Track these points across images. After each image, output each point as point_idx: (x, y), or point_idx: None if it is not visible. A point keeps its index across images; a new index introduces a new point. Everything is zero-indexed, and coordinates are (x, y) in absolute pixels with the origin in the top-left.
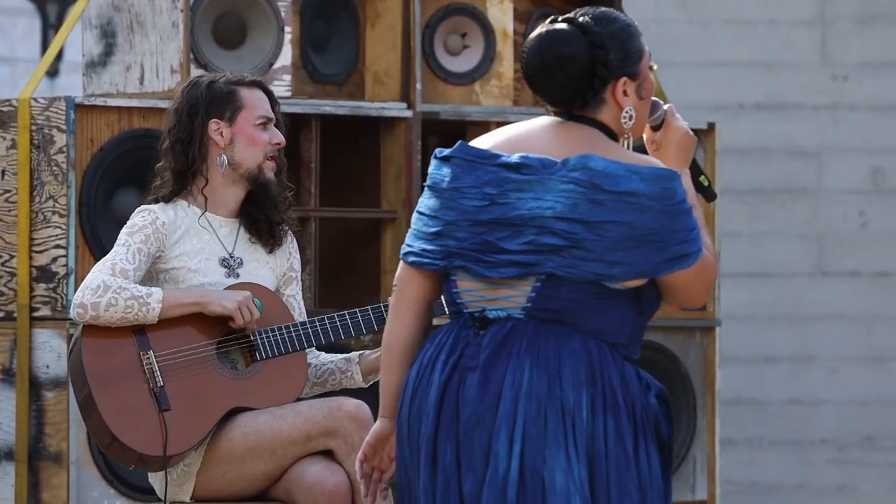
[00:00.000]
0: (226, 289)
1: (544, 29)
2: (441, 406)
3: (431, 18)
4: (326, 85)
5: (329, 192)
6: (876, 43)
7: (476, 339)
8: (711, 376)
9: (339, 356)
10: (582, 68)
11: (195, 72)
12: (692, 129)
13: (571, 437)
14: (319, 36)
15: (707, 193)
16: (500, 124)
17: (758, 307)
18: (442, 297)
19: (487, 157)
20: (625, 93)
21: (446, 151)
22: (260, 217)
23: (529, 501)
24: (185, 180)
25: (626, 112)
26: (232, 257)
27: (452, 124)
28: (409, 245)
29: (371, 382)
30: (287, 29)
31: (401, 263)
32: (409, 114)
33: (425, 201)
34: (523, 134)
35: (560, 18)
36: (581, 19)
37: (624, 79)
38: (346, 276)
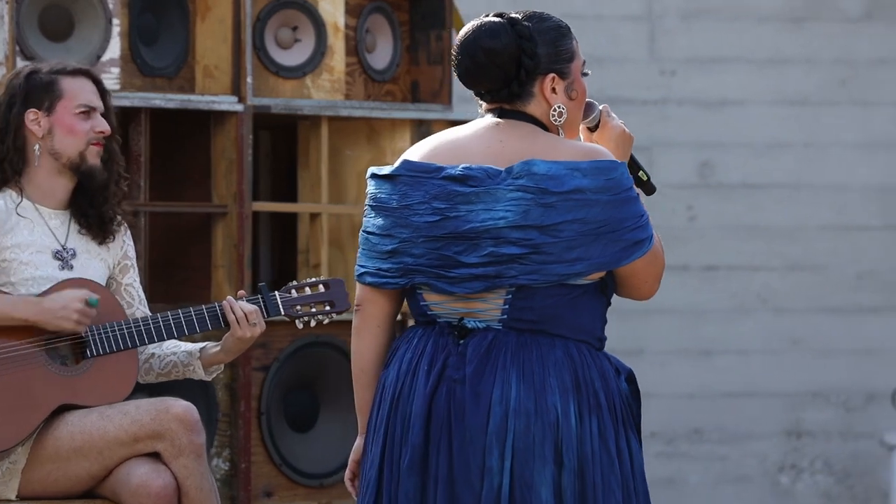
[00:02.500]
0: (60, 283)
1: (475, 23)
2: (429, 416)
3: (262, 12)
4: (156, 78)
5: (159, 186)
6: (703, 38)
7: (457, 350)
8: None
9: (182, 349)
10: (509, 59)
11: (21, 64)
12: None
13: (559, 449)
14: (149, 29)
15: (647, 187)
16: (331, 118)
17: None
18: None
19: (431, 170)
20: (553, 90)
21: (386, 169)
22: (90, 210)
23: None
24: (4, 171)
25: (556, 108)
26: (65, 249)
27: (284, 118)
28: (362, 266)
29: (213, 376)
30: (115, 21)
31: (358, 285)
32: (239, 107)
33: (373, 221)
34: (461, 140)
35: (492, 14)
36: (512, 15)
37: (552, 75)
38: (176, 272)
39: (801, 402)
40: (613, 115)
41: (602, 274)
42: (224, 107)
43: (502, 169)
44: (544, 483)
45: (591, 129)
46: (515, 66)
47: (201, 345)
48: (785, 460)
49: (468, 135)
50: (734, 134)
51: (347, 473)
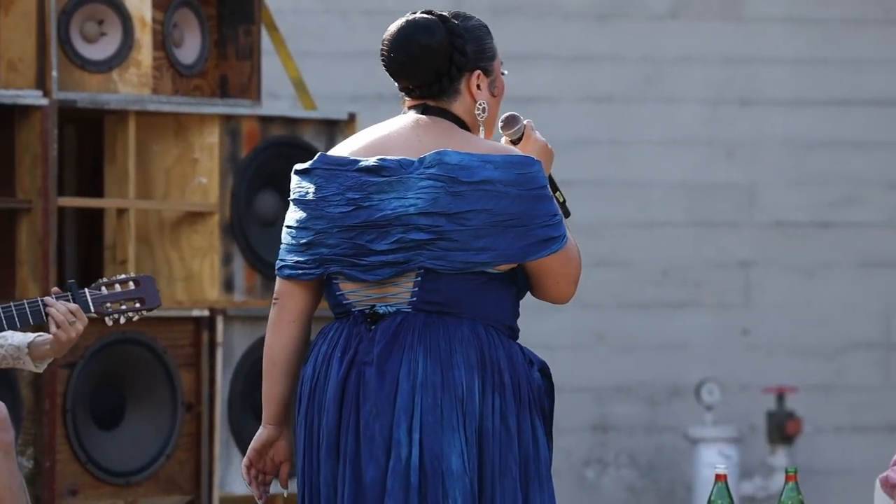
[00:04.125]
0: None
1: (407, 19)
2: (342, 401)
3: (67, 5)
4: None
5: None
6: (510, 35)
7: (368, 335)
8: None
9: (10, 342)
10: (442, 55)
11: None
12: (329, 120)
13: (464, 422)
14: None
15: (563, 210)
16: (138, 113)
17: None
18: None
19: (346, 163)
20: (478, 86)
21: (305, 164)
22: None
23: (430, 485)
24: None
25: (480, 105)
26: None
27: (90, 112)
28: (282, 260)
29: (44, 368)
30: None
31: (277, 279)
32: (44, 102)
33: (292, 215)
34: (382, 137)
35: (420, 11)
36: (440, 13)
37: (478, 72)
38: None
39: (607, 396)
40: (537, 131)
41: (513, 266)
42: (28, 101)
43: (415, 159)
44: (455, 452)
45: (515, 142)
46: (447, 62)
47: (31, 337)
48: (591, 455)
49: (389, 131)
50: (541, 131)
51: (245, 461)
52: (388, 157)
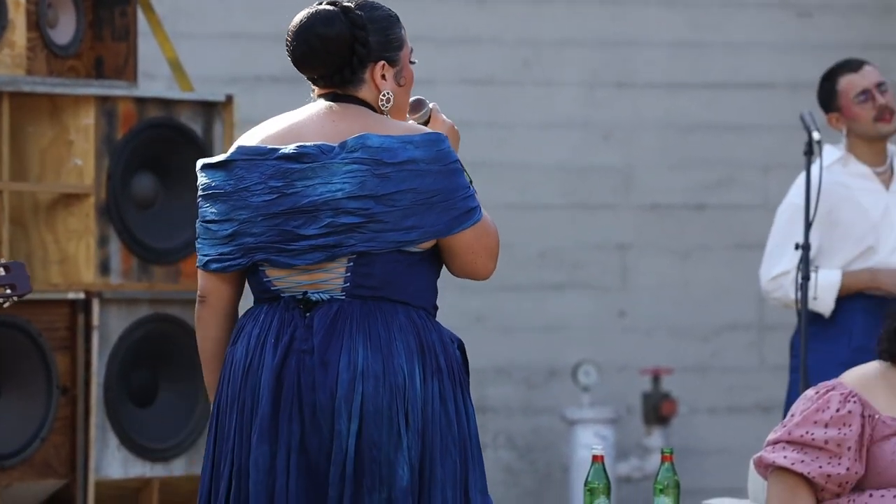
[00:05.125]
0: None
1: (310, 10)
2: (279, 388)
3: None
4: None
5: None
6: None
7: (304, 322)
8: None
9: None
10: (342, 47)
11: None
12: (206, 102)
13: (405, 410)
14: None
15: None
16: (12, 94)
17: None
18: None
19: (265, 152)
20: (383, 77)
21: (219, 158)
22: None
23: (367, 474)
24: None
25: (384, 95)
26: None
27: None
28: (205, 255)
29: None
30: None
31: (200, 273)
32: None
33: (209, 209)
34: (295, 124)
35: (325, 2)
36: (345, 3)
37: (382, 62)
38: None
39: (485, 378)
40: (442, 113)
41: (434, 243)
42: None
43: (335, 145)
44: (393, 443)
45: (422, 125)
46: (348, 53)
47: None
48: None
49: (301, 118)
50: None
51: None
52: (307, 144)
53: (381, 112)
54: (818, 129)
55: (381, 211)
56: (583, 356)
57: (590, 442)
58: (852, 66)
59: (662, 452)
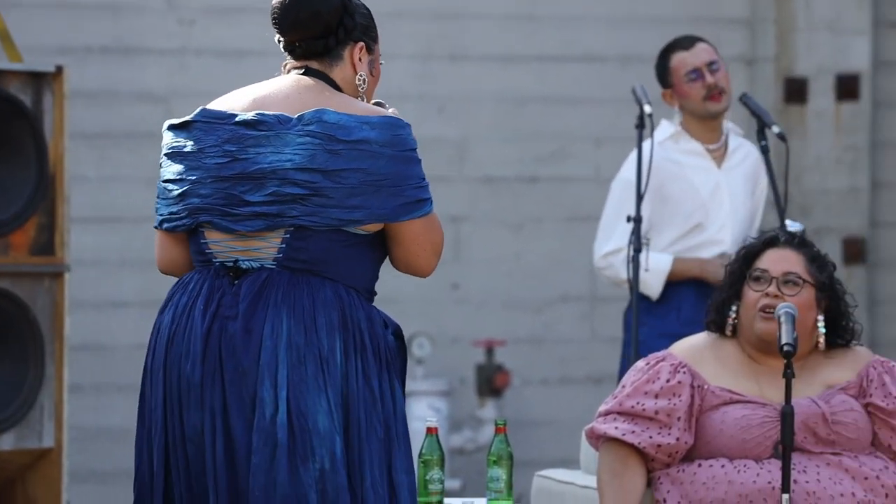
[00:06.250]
0: None
1: None
2: (205, 354)
3: None
4: None
5: None
6: None
7: (232, 289)
8: (60, 322)
9: None
10: (334, 14)
11: None
12: (36, 72)
13: (328, 382)
14: None
15: None
16: None
17: (106, 252)
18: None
19: (225, 117)
20: (360, 59)
21: (183, 118)
22: None
23: (298, 443)
24: None
25: (360, 76)
26: None
27: None
28: (160, 214)
29: None
30: None
31: (157, 235)
32: None
33: (167, 169)
34: (263, 94)
35: None
36: None
37: (361, 45)
38: None
39: None
40: (402, 118)
41: (379, 227)
42: None
43: (294, 116)
44: (320, 411)
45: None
46: (338, 21)
47: None
48: None
49: (270, 89)
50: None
51: None
52: (267, 112)
53: (357, 94)
54: (650, 103)
55: (327, 186)
56: (416, 328)
57: (423, 414)
58: (684, 43)
59: (496, 424)
